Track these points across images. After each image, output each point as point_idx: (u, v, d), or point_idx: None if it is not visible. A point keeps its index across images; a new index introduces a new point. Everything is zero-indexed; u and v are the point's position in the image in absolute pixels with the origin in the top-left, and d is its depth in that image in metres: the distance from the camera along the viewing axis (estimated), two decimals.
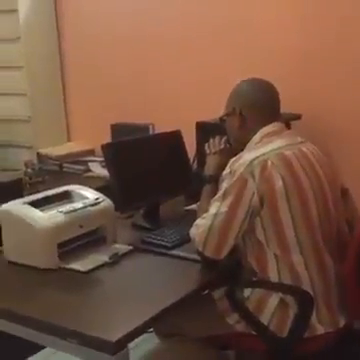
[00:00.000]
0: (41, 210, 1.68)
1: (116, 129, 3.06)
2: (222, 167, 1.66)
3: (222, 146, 1.81)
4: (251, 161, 1.49)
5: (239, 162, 1.51)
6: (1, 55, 3.46)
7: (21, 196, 1.91)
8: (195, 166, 2.38)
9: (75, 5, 3.34)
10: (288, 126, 2.25)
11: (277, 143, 1.58)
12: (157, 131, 2.82)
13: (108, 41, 3.22)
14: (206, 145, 1.86)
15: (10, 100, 3.50)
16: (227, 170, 1.53)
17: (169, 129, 2.23)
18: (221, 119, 1.74)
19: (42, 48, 3.38)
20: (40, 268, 1.62)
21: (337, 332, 1.52)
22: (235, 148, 1.69)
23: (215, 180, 1.71)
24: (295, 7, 2.57)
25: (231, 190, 1.49)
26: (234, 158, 1.55)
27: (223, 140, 1.82)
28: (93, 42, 3.30)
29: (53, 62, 3.45)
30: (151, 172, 2.06)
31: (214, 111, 2.11)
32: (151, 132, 2.87)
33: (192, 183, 2.16)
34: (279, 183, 1.48)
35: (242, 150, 1.61)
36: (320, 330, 1.48)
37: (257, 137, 1.62)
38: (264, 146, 1.56)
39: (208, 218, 1.53)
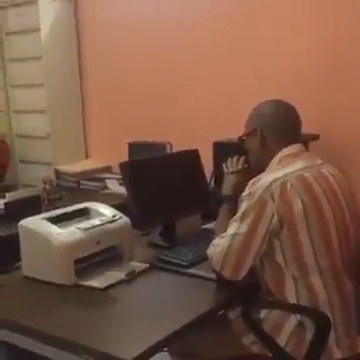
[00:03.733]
0: (59, 226, 1.70)
1: (133, 147, 3.09)
2: (239, 187, 1.66)
3: (240, 166, 1.81)
4: (271, 183, 1.49)
5: (259, 184, 1.51)
6: (23, 73, 3.54)
7: (39, 212, 1.93)
8: (212, 185, 2.39)
9: (95, 25, 3.41)
10: (306, 147, 2.25)
11: (297, 165, 1.58)
12: (174, 150, 2.84)
13: (127, 61, 3.28)
14: (224, 164, 1.86)
15: (30, 117, 3.57)
16: (247, 191, 1.53)
17: (186, 148, 2.24)
18: (240, 138, 1.75)
19: (62, 67, 3.46)
20: (57, 284, 1.64)
21: (356, 357, 1.49)
22: (254, 169, 1.69)
23: (232, 200, 1.71)
24: (311, 26, 2.58)
25: (250, 211, 1.49)
26: (254, 179, 1.55)
27: (241, 160, 1.82)
28: (112, 61, 3.36)
29: (73, 80, 3.52)
30: (168, 190, 2.07)
31: (231, 131, 2.13)
32: (168, 151, 2.89)
33: (209, 202, 2.17)
34: (298, 206, 1.48)
35: (262, 171, 1.61)
36: (337, 354, 1.46)
37: (277, 158, 1.62)
38: (284, 168, 1.56)
39: (227, 238, 1.52)
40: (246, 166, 1.80)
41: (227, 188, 1.79)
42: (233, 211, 1.61)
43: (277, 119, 1.67)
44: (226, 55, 2.86)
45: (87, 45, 3.48)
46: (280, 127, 1.66)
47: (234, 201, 1.69)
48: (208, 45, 2.92)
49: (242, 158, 1.82)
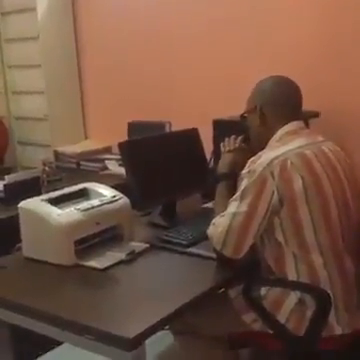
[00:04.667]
0: (59, 207, 1.70)
1: (133, 127, 3.07)
2: (236, 165, 1.66)
3: (237, 145, 1.80)
4: (271, 161, 1.48)
5: (258, 161, 1.50)
6: (19, 54, 3.51)
7: (39, 194, 1.93)
8: (212, 164, 2.37)
9: (92, 3, 3.36)
10: (306, 124, 2.23)
11: (297, 142, 1.56)
12: (174, 129, 2.82)
13: (125, 39, 3.23)
14: (221, 144, 1.85)
15: (28, 98, 3.54)
16: (246, 169, 1.52)
17: (186, 127, 2.22)
18: (242, 116, 1.74)
19: (60, 47, 3.42)
20: (57, 265, 1.64)
21: (355, 333, 1.50)
22: (254, 146, 1.68)
23: (229, 178, 1.70)
24: (312, 3, 2.53)
25: (250, 189, 1.49)
26: (253, 157, 1.53)
27: (239, 139, 1.82)
28: (110, 41, 3.31)
29: (70, 61, 3.48)
30: (168, 170, 2.06)
31: (231, 108, 2.11)
32: (168, 130, 2.87)
33: (209, 181, 2.16)
34: (299, 184, 1.47)
35: (262, 148, 1.60)
36: (338, 330, 1.47)
37: (277, 136, 1.60)
38: (284, 145, 1.55)
39: (227, 217, 1.52)
40: (243, 145, 1.79)
41: (223, 166, 1.78)
42: (230, 189, 1.60)
43: (277, 95, 1.65)
44: (226, 33, 2.82)
45: (84, 24, 3.43)
46: (280, 103, 1.64)
47: (230, 179, 1.68)
48: (207, 22, 2.88)
49: (239, 137, 1.81)
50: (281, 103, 1.64)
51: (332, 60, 2.51)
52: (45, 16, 3.31)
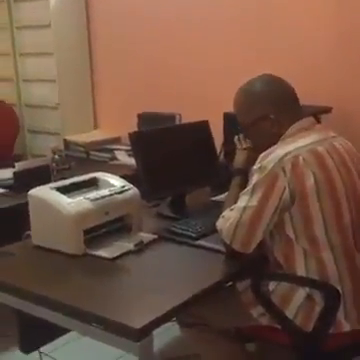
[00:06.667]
0: (68, 196, 1.70)
1: (143, 118, 3.06)
2: (251, 161, 1.63)
3: (249, 144, 1.77)
4: (282, 156, 1.47)
5: (270, 157, 1.48)
6: (31, 42, 3.50)
7: (48, 182, 1.93)
8: (222, 157, 2.36)
9: None
10: (318, 120, 2.21)
11: (309, 138, 1.54)
12: (184, 121, 2.80)
13: (137, 30, 3.22)
14: (236, 138, 1.82)
15: (39, 86, 3.54)
16: (257, 165, 1.50)
17: (196, 119, 2.21)
18: (247, 127, 1.66)
19: (71, 35, 3.41)
20: (66, 253, 1.64)
21: None
22: (264, 149, 1.62)
23: (243, 173, 1.69)
24: None
25: (261, 185, 1.47)
26: (265, 152, 1.51)
27: (248, 140, 1.78)
28: (122, 31, 3.30)
29: (82, 49, 3.47)
30: (178, 162, 2.05)
31: None
32: (178, 122, 2.86)
33: (219, 174, 2.15)
34: (310, 181, 1.45)
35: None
36: (346, 327, 1.46)
37: (289, 132, 1.57)
38: (296, 141, 1.53)
39: (237, 211, 1.51)
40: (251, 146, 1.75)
41: (239, 161, 1.77)
42: (244, 185, 1.58)
43: (277, 93, 1.60)
44: (239, 25, 2.80)
45: (97, 13, 3.42)
46: (284, 100, 1.60)
47: (245, 174, 1.67)
48: (221, 14, 2.85)
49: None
50: (284, 99, 1.61)
51: (345, 55, 2.49)
52: (57, 4, 3.30)
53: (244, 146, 1.78)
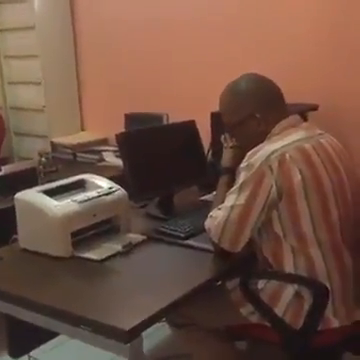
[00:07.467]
0: (55, 199, 1.69)
1: (130, 118, 3.05)
2: (238, 159, 1.63)
3: (236, 143, 1.77)
4: (269, 154, 1.47)
5: (257, 155, 1.49)
6: (16, 44, 3.47)
7: (35, 185, 1.91)
8: (210, 156, 2.36)
9: None
10: (304, 118, 2.22)
11: (296, 136, 1.55)
12: (171, 121, 2.80)
13: (123, 31, 3.21)
14: (222, 137, 1.83)
15: (25, 89, 3.52)
16: (244, 163, 1.50)
17: (183, 119, 2.21)
18: (234, 126, 1.66)
19: (56, 37, 3.39)
20: (54, 256, 1.63)
21: (353, 326, 1.50)
22: (251, 148, 1.63)
23: (231, 172, 1.69)
24: None
25: (248, 183, 1.48)
26: (252, 150, 1.52)
27: (234, 139, 1.78)
28: (108, 31, 3.28)
29: (68, 51, 3.45)
30: (165, 162, 2.05)
31: None
32: (165, 122, 2.85)
33: (207, 173, 2.15)
34: (297, 178, 1.45)
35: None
36: (335, 323, 1.46)
37: (276, 130, 1.58)
38: (283, 139, 1.53)
39: (224, 210, 1.51)
40: (237, 144, 1.75)
41: (226, 160, 1.77)
42: (231, 183, 1.58)
43: (263, 92, 1.60)
44: (224, 24, 2.80)
45: (82, 15, 3.40)
46: (270, 99, 1.61)
47: (232, 173, 1.67)
48: (206, 14, 2.85)
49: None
50: (270, 98, 1.61)
51: (332, 53, 2.50)
52: (42, 6, 3.28)
53: (230, 145, 1.78)
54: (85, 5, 3.37)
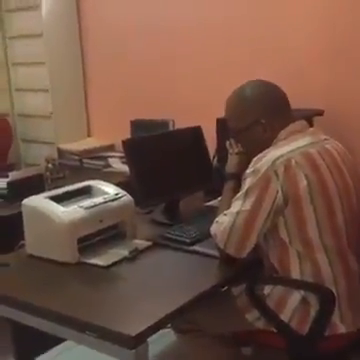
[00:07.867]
0: (62, 205, 1.70)
1: (136, 125, 3.06)
2: (243, 165, 1.64)
3: (241, 149, 1.77)
4: (275, 160, 1.47)
5: (263, 161, 1.49)
6: (24, 51, 3.50)
7: (42, 191, 1.92)
8: (215, 162, 2.37)
9: (97, 1, 3.35)
10: (310, 123, 2.22)
11: (302, 141, 1.55)
12: (177, 127, 2.81)
13: (129, 38, 3.23)
14: (228, 143, 1.83)
15: (32, 96, 3.54)
16: (251, 169, 1.51)
17: (189, 125, 2.22)
18: (239, 132, 1.66)
19: (64, 44, 3.41)
20: (60, 262, 1.64)
21: (359, 332, 1.49)
22: (253, 155, 1.62)
23: (237, 177, 1.69)
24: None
25: (254, 188, 1.48)
26: (258, 156, 1.52)
27: (239, 145, 1.79)
28: (114, 38, 3.30)
29: (74, 58, 3.48)
30: (171, 168, 2.06)
31: None
32: (171, 128, 2.86)
33: (212, 179, 2.15)
34: (303, 183, 1.45)
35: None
36: (342, 329, 1.46)
37: (282, 135, 1.58)
38: (288, 144, 1.53)
39: (230, 216, 1.51)
40: (243, 150, 1.75)
41: (231, 166, 1.77)
42: (237, 189, 1.59)
43: (269, 98, 1.61)
44: (229, 30, 2.81)
45: (89, 22, 3.42)
46: (276, 105, 1.61)
47: (238, 179, 1.67)
48: (211, 20, 2.86)
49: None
50: (276, 104, 1.61)
51: (337, 57, 2.49)
52: (50, 13, 3.31)
53: (236, 150, 1.79)
54: (92, 13, 3.39)
